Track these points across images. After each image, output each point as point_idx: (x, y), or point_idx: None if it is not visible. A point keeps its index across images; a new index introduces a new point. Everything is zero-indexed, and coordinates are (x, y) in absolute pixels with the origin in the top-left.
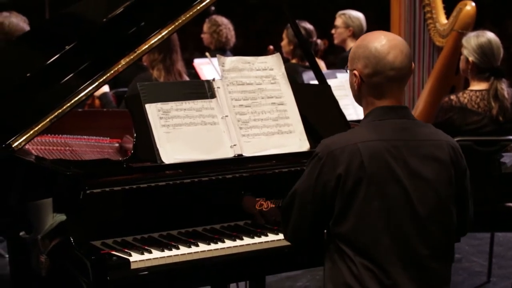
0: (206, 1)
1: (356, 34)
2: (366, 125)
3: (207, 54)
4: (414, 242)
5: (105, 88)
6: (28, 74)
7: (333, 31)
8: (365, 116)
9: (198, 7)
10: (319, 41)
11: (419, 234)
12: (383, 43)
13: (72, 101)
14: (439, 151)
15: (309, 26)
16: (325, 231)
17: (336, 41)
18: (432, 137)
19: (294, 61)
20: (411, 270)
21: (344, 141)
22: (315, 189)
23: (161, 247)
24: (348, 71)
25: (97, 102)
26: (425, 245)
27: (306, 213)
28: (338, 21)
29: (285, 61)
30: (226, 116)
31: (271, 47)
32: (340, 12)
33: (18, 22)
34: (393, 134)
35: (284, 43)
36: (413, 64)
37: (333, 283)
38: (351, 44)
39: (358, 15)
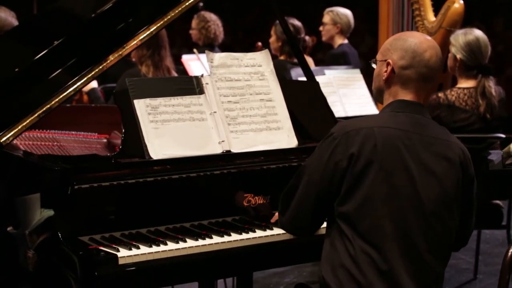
0: None
1: (344, 31)
2: (384, 113)
3: (194, 50)
4: (415, 234)
5: (94, 84)
6: (16, 69)
7: (321, 28)
8: (384, 107)
9: (187, 3)
10: (307, 37)
11: (420, 227)
12: (422, 41)
13: (61, 97)
14: (450, 151)
15: (297, 22)
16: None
17: (324, 38)
18: (445, 138)
19: (282, 57)
20: (407, 260)
21: (360, 124)
22: (325, 167)
23: (149, 242)
24: (375, 62)
25: (85, 97)
26: (425, 239)
27: (312, 193)
28: (326, 18)
29: (273, 57)
30: (215, 112)
31: (259, 43)
32: (328, 9)
33: (7, 17)
34: (409, 126)
35: (272, 39)
36: None
37: (330, 263)
38: (339, 41)
39: (345, 12)
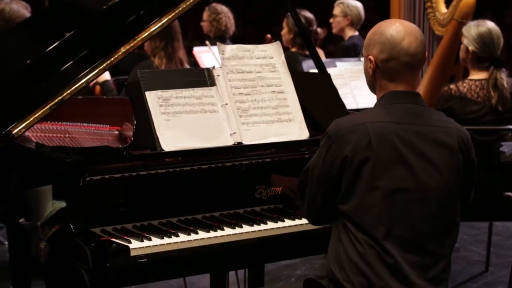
0: None
1: (354, 23)
2: (377, 107)
3: (207, 42)
4: (418, 225)
5: (107, 76)
6: (28, 61)
7: (331, 20)
8: (377, 101)
9: None
10: (319, 29)
11: (423, 217)
12: (399, 29)
13: (72, 88)
14: (448, 138)
15: (309, 14)
16: None
17: (334, 30)
18: (442, 124)
19: (294, 49)
20: (413, 252)
21: (353, 120)
22: (323, 167)
23: (161, 234)
24: (362, 58)
25: (97, 88)
26: (429, 228)
27: (317, 191)
28: (336, 10)
29: (285, 49)
30: (226, 104)
31: (269, 35)
32: (339, 1)
33: (19, 8)
34: (403, 117)
35: (284, 31)
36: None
37: (337, 258)
38: (349, 33)
39: (356, 4)
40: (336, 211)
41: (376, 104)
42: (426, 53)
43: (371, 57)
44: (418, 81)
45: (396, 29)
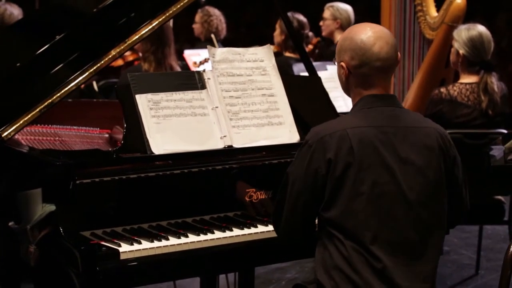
0: None
1: (343, 26)
2: (355, 112)
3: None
4: (404, 228)
5: None
6: (18, 64)
7: (321, 23)
8: (354, 105)
9: None
10: (311, 33)
11: (409, 220)
12: (369, 34)
13: (62, 91)
14: (427, 138)
15: (302, 18)
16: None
17: (324, 33)
18: (420, 124)
19: (287, 53)
20: (399, 255)
21: (333, 127)
22: (306, 176)
23: (151, 237)
24: (336, 63)
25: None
26: (415, 230)
27: (298, 203)
28: (326, 13)
29: (278, 54)
30: (216, 107)
31: None
32: (328, 4)
33: (18, 14)
34: (381, 120)
35: (276, 33)
36: (399, 55)
37: (324, 266)
38: (338, 36)
39: (346, 8)
40: (319, 220)
41: (352, 109)
42: (417, 57)
43: (343, 63)
44: (409, 85)
45: (366, 34)
